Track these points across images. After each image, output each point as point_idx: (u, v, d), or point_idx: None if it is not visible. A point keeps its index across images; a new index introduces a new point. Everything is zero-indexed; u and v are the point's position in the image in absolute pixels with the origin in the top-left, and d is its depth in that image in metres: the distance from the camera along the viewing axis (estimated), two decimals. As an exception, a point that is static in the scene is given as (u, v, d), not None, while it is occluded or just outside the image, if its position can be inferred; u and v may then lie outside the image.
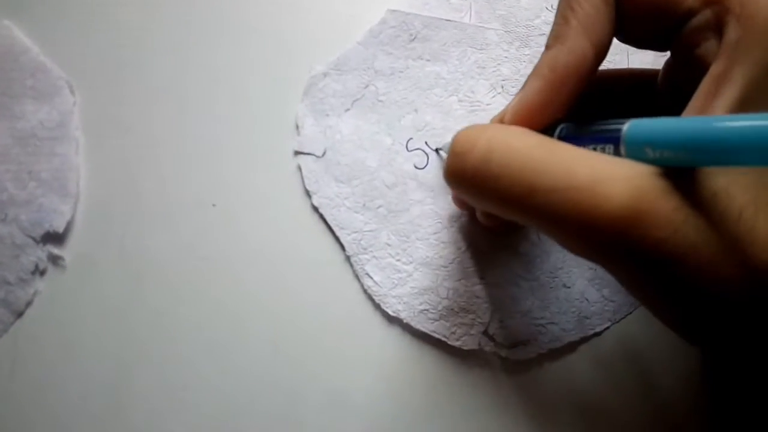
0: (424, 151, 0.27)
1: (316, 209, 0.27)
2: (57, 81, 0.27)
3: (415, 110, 0.27)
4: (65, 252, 0.26)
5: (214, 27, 0.28)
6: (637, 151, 0.16)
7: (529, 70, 0.28)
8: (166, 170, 0.27)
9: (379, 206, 0.27)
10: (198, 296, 0.26)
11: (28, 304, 0.26)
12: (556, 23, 0.20)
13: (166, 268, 0.26)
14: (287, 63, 0.28)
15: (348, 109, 0.27)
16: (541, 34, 0.28)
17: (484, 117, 0.27)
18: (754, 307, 0.16)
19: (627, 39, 0.21)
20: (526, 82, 0.21)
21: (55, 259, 0.26)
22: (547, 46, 0.20)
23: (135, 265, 0.26)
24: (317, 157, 0.27)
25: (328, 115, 0.27)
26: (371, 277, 0.26)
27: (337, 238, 0.26)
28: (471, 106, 0.28)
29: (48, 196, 0.26)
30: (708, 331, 0.17)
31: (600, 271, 0.26)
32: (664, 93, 0.22)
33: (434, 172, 0.27)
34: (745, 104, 0.17)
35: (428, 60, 0.28)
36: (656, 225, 0.15)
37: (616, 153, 0.17)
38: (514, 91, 0.28)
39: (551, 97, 0.20)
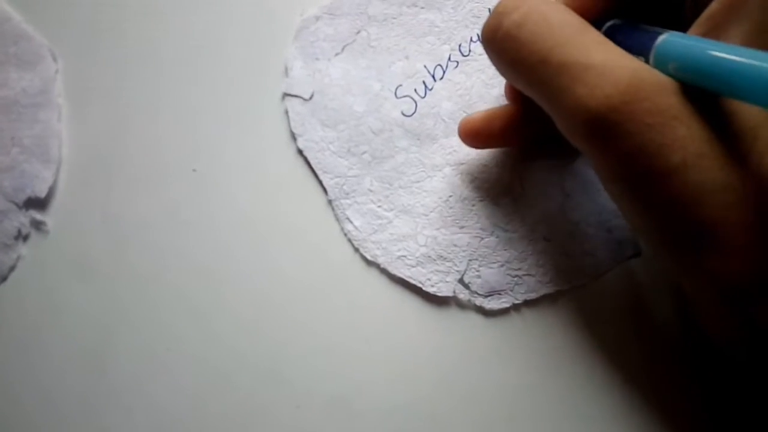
0: (412, 98, 0.27)
1: (300, 152, 0.27)
2: (39, 48, 0.27)
3: (407, 57, 0.27)
4: (48, 217, 0.27)
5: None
6: (661, 64, 0.17)
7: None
8: (149, 133, 0.27)
9: (364, 152, 0.27)
10: (181, 259, 0.26)
11: (12, 268, 0.26)
12: None
13: (149, 232, 0.26)
14: (279, 5, 0.28)
15: (338, 54, 0.27)
16: (539, -15, 0.27)
17: (476, 66, 0.27)
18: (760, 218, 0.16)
19: None
20: None
21: (37, 224, 0.26)
22: None
23: (117, 229, 0.26)
24: (305, 100, 0.27)
25: (318, 58, 0.27)
26: (351, 222, 0.26)
27: (320, 182, 0.26)
28: (463, 56, 0.27)
29: (30, 162, 0.27)
30: (686, 243, 0.17)
31: (583, 225, 0.25)
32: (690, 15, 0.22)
33: (421, 119, 0.27)
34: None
35: (422, 7, 0.28)
36: (648, 112, 0.16)
37: (645, 61, 0.18)
38: (508, 41, 0.27)
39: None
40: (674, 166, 0.16)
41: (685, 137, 0.16)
